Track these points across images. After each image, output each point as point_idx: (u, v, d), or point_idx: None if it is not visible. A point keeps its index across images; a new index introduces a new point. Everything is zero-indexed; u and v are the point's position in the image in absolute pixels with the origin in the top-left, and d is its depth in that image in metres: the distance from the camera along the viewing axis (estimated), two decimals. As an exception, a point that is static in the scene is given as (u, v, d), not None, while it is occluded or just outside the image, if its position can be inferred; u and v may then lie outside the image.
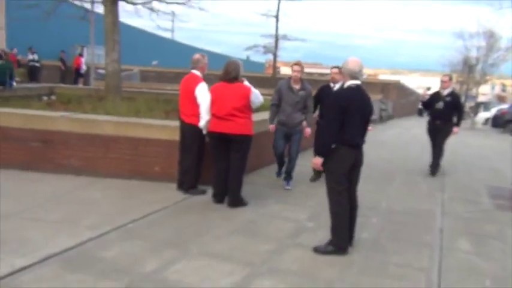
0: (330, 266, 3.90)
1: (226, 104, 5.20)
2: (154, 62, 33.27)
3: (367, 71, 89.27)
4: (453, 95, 7.86)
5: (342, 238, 4.09)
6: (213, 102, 5.29)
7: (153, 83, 20.47)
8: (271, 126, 6.42)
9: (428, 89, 11.82)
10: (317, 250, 4.12)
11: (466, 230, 5.06)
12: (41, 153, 6.47)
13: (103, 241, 4.18)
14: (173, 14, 12.61)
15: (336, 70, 6.53)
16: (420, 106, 23.87)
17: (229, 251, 4.09)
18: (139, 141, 6.31)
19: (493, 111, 25.12)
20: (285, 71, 43.68)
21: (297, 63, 6.23)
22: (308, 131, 6.44)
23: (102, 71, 20.73)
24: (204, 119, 5.42)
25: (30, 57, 20.55)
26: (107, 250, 3.97)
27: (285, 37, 26.25)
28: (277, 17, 25.06)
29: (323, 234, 4.40)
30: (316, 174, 6.82)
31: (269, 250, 4.16)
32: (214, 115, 5.29)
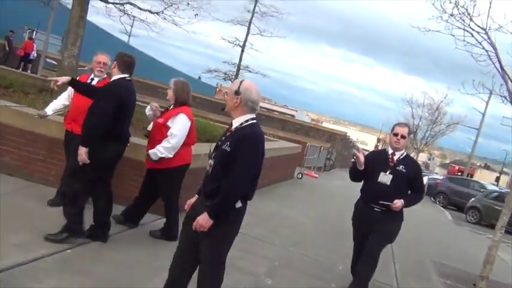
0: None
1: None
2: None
3: (312, 116, 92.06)
4: (410, 162, 4.61)
5: None
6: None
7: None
8: None
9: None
10: None
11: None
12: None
13: (34, 268, 3.50)
14: (144, 21, 12.00)
15: (404, 130, 4.56)
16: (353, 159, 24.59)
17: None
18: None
19: (425, 180, 26.36)
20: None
21: None
22: None
23: (51, 61, 19.42)
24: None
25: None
26: (39, 282, 3.30)
27: (246, 68, 26.36)
28: (243, 47, 25.17)
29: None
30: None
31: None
32: (190, 144, 4.88)
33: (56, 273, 3.51)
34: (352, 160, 4.65)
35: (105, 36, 36.37)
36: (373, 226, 4.44)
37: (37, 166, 5.65)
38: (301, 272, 5.06)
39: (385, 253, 6.89)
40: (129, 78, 4.31)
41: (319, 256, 5.80)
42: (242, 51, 25.17)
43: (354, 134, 72.43)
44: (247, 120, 2.97)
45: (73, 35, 9.12)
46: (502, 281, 7.26)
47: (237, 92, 2.96)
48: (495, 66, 6.27)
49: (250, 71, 26.28)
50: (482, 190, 20.03)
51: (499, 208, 16.10)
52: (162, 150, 4.61)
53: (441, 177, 26.01)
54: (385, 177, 4.42)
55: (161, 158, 4.59)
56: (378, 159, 4.60)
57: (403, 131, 4.53)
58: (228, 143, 2.92)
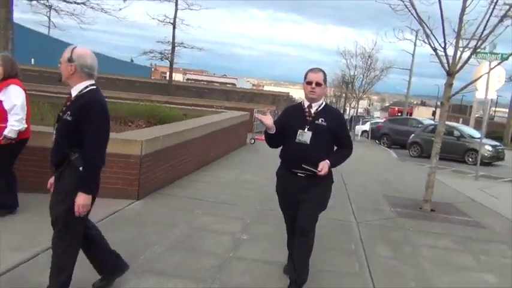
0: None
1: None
2: (32, 60, 30.73)
3: (252, 81, 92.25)
4: (331, 113, 3.82)
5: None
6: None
7: (36, 84, 18.80)
8: None
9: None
10: None
11: (381, 237, 5.62)
12: None
13: (34, 265, 3.83)
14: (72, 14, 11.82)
15: (318, 76, 3.75)
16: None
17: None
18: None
19: (368, 125, 27.86)
20: (178, 77, 43.42)
21: None
22: None
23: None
24: None
25: None
26: (42, 275, 3.64)
27: (181, 45, 26.24)
28: (174, 24, 24.97)
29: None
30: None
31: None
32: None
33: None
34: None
35: (24, 32, 34.57)
36: (301, 195, 3.66)
37: None
38: (272, 225, 5.63)
39: (341, 195, 7.66)
40: None
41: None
42: (174, 28, 25.03)
43: (296, 93, 73.87)
44: (86, 87, 2.97)
45: (3, 38, 8.95)
46: (443, 201, 8.24)
47: (70, 60, 2.93)
48: (412, 14, 6.95)
49: (185, 47, 26.37)
50: (420, 126, 21.56)
51: (436, 139, 17.66)
52: (17, 123, 4.64)
53: (382, 120, 27.55)
54: (304, 135, 3.65)
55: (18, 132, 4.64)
56: (294, 116, 3.78)
57: (318, 77, 3.71)
58: (69, 112, 2.90)
